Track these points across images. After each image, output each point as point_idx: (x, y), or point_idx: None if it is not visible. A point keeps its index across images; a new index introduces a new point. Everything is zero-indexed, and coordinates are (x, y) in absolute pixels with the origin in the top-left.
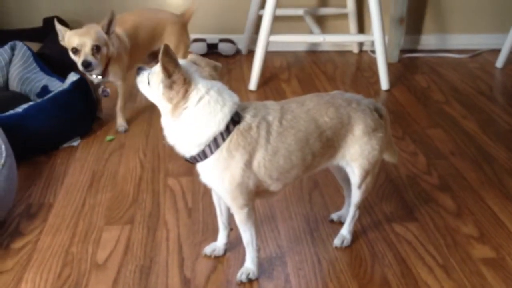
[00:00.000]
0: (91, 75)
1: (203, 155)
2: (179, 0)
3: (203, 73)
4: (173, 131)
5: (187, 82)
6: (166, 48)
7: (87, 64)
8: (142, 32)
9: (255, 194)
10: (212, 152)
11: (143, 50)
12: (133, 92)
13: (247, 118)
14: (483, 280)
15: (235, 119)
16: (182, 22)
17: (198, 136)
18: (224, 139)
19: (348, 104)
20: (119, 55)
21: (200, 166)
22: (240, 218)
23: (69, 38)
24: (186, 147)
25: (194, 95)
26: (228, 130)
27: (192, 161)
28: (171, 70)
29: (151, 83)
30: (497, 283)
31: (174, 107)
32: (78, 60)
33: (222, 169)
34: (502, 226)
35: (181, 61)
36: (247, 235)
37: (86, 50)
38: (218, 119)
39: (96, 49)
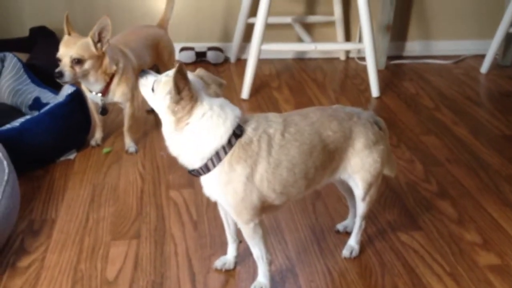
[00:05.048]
0: (91, 91)
1: (205, 169)
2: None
3: (209, 90)
4: (175, 143)
5: (194, 99)
6: (181, 66)
7: (58, 75)
8: (145, 51)
9: (261, 210)
10: (214, 166)
11: (145, 68)
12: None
13: (249, 131)
14: (491, 287)
15: (237, 133)
16: (166, 32)
17: (200, 150)
18: (226, 153)
19: (350, 118)
20: (127, 73)
21: (204, 179)
22: (247, 233)
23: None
24: (189, 159)
25: (198, 111)
26: (230, 143)
27: (195, 174)
28: (182, 87)
29: (156, 91)
30: None
31: (177, 121)
32: None
33: (225, 183)
34: (503, 232)
35: (190, 77)
36: (256, 250)
37: (65, 61)
38: (220, 133)
39: (77, 62)
